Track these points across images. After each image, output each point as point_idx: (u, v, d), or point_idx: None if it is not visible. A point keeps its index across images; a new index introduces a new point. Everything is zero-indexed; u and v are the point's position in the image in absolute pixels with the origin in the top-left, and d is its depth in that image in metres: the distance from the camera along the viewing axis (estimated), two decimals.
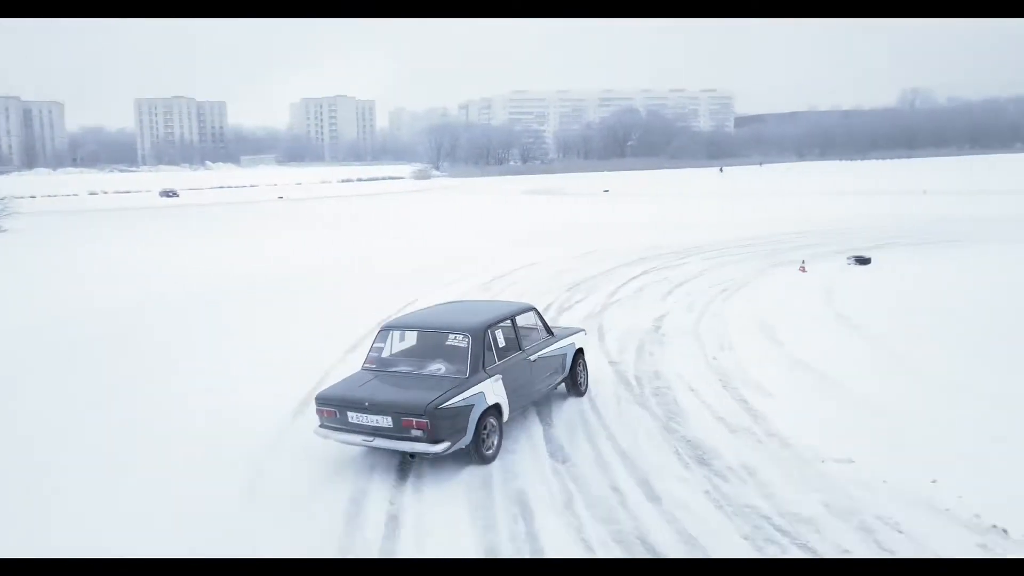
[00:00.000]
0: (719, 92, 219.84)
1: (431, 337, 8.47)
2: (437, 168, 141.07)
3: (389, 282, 19.80)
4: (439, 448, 7.17)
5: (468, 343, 7.92)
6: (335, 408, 7.60)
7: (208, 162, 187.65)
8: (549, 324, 9.78)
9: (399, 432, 7.26)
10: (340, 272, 22.11)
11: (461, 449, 7.46)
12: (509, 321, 8.66)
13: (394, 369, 8.19)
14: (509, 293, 17.20)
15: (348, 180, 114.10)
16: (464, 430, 7.41)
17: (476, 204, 56.07)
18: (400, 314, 10.57)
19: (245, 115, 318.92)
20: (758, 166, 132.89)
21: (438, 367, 7.96)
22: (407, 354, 8.46)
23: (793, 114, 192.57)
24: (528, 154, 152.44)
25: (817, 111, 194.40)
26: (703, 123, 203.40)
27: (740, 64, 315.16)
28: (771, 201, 47.52)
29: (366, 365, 8.35)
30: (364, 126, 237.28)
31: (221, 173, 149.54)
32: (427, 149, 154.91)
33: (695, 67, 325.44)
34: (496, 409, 7.84)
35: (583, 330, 10.55)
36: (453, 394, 7.39)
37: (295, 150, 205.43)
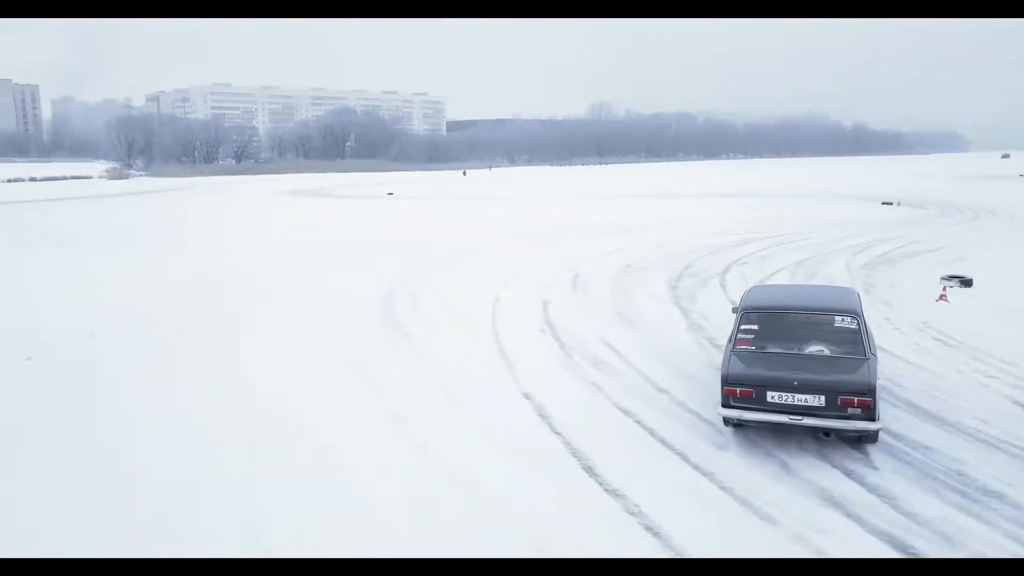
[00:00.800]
0: (431, 96, 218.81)
1: (808, 319, 8.22)
2: (130, 166, 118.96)
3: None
4: (877, 425, 7.19)
5: (858, 325, 7.93)
6: (752, 388, 7.46)
7: None
8: None
9: (833, 411, 7.21)
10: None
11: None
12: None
13: (773, 350, 7.98)
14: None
15: (18, 180, 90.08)
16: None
17: (256, 208, 44.36)
18: (750, 297, 8.75)
19: None
20: (488, 169, 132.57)
21: (820, 348, 7.88)
22: (774, 336, 8.10)
23: (500, 120, 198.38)
24: (243, 152, 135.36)
25: (522, 119, 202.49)
26: (417, 126, 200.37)
27: (449, 71, 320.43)
28: (603, 205, 43.75)
29: (739, 347, 8.07)
30: (26, 115, 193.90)
31: None
32: (114, 144, 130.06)
33: (405, 71, 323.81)
34: None
35: None
36: (874, 374, 7.41)
37: None
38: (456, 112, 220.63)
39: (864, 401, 7.13)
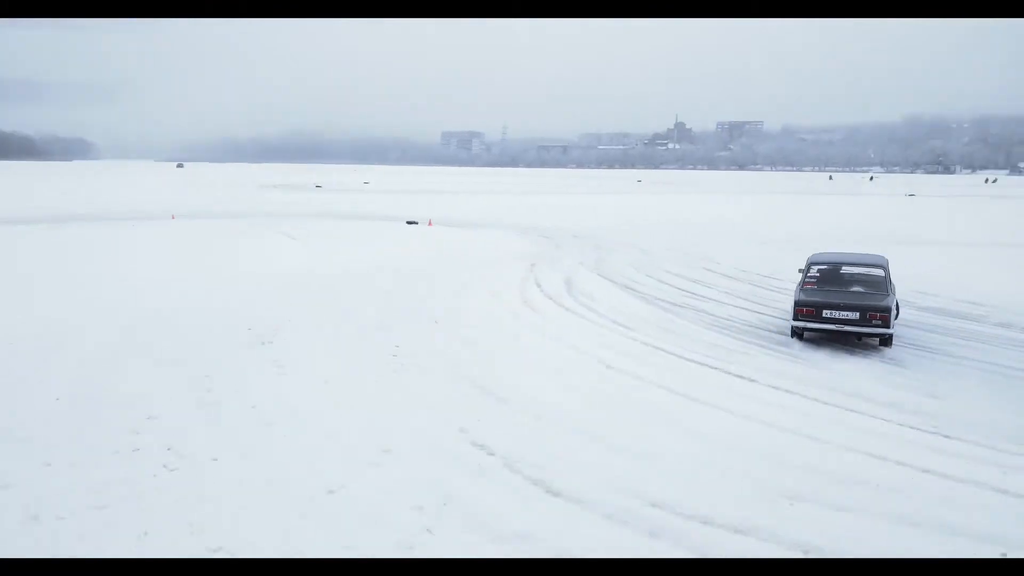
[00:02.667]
0: None
1: (853, 270, 12.08)
2: None
3: None
4: (891, 330, 10.79)
5: (885, 274, 11.78)
6: (814, 308, 11.09)
7: None
8: None
9: (864, 322, 10.82)
10: None
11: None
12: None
13: (828, 288, 11.67)
14: None
15: None
16: None
17: None
18: (814, 255, 12.86)
19: None
20: None
21: (859, 288, 11.60)
22: (829, 279, 11.89)
23: None
24: None
25: None
26: None
27: None
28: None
29: (807, 286, 11.75)
30: None
31: None
32: None
33: None
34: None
35: None
36: (893, 301, 11.12)
37: None
38: None
39: (883, 316, 10.65)
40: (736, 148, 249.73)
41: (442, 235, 28.03)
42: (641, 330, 12.27)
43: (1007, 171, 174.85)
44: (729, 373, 9.91)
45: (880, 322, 10.64)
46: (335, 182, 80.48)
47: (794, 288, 12.84)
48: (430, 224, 32.16)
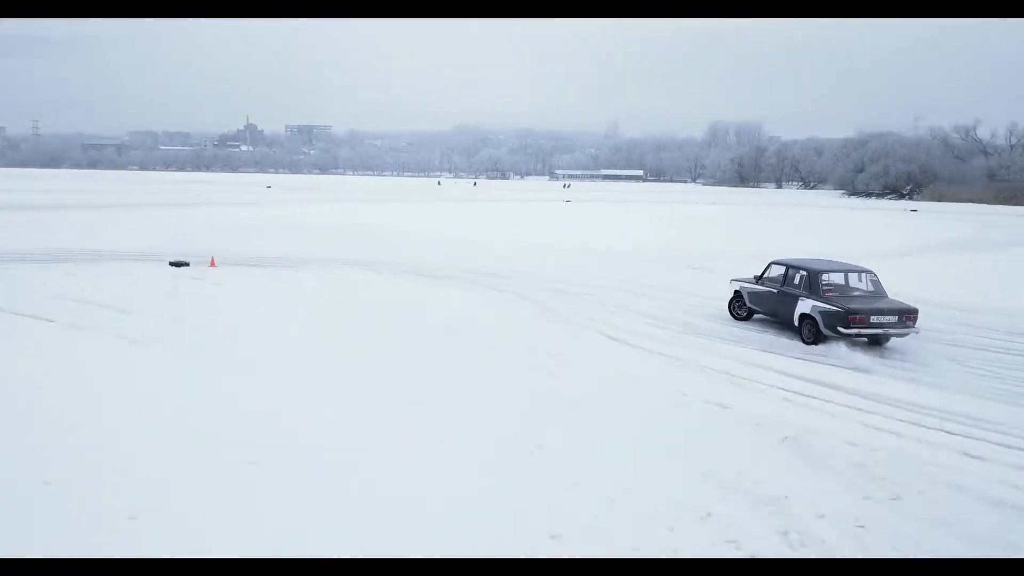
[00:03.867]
0: None
1: (855, 275, 13.39)
2: None
3: None
4: (917, 330, 12.42)
5: (879, 278, 13.34)
6: (864, 315, 12.11)
7: None
8: None
9: (901, 324, 12.29)
10: None
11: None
12: None
13: (846, 295, 12.90)
14: None
15: None
16: None
17: None
18: (805, 264, 13.80)
19: None
20: None
21: (871, 293, 13.00)
22: (839, 287, 13.16)
23: None
24: None
25: None
26: None
27: None
28: None
29: (827, 293, 12.80)
30: None
31: None
32: None
33: None
34: None
35: None
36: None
37: None
38: None
39: (915, 317, 12.22)
40: (313, 152, 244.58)
41: (282, 284, 18.31)
42: None
43: (547, 177, 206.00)
44: None
45: (912, 323, 12.15)
46: None
47: (768, 294, 14.06)
48: (212, 264, 21.20)
